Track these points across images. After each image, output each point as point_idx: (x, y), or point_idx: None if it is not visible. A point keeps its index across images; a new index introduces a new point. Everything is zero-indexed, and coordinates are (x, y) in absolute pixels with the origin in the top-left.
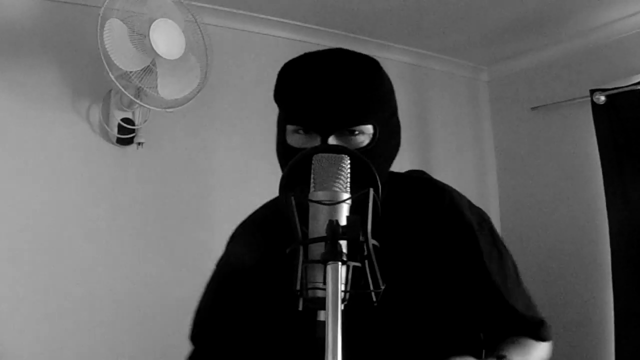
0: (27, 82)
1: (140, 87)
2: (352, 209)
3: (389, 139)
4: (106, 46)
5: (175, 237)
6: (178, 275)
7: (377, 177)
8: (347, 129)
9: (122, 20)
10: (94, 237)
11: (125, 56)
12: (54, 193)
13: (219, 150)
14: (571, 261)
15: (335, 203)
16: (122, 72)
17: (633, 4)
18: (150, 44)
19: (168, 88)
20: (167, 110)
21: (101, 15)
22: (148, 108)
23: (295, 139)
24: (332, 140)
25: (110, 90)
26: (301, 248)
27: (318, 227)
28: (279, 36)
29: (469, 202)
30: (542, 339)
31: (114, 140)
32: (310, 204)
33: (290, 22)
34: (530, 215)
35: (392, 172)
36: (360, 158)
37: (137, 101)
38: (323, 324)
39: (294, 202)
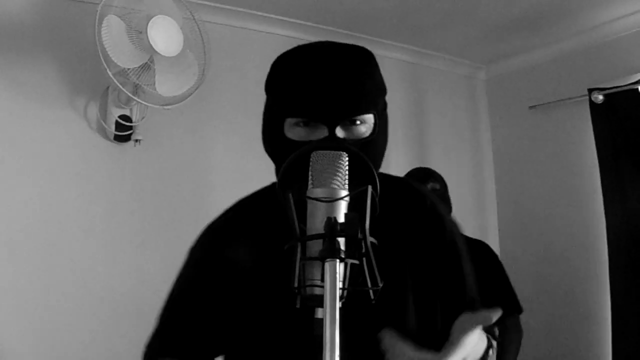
0: (25, 78)
1: (138, 84)
2: (350, 206)
3: (384, 129)
4: (104, 43)
5: (172, 234)
6: (175, 272)
7: (375, 174)
8: (350, 120)
9: (120, 17)
10: (91, 234)
11: (123, 53)
12: (51, 190)
13: (217, 147)
14: (568, 259)
15: (334, 200)
16: (119, 69)
17: (631, 3)
18: (148, 41)
19: (166, 85)
20: (165, 107)
21: (99, 12)
22: (146, 105)
23: (296, 132)
24: (338, 131)
25: (107, 87)
26: (299, 245)
27: (316, 224)
28: (277, 34)
29: (445, 207)
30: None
31: (112, 137)
32: (308, 201)
33: (288, 19)
34: (527, 213)
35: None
36: (358, 155)
37: (135, 98)
38: (321, 321)
39: (292, 199)
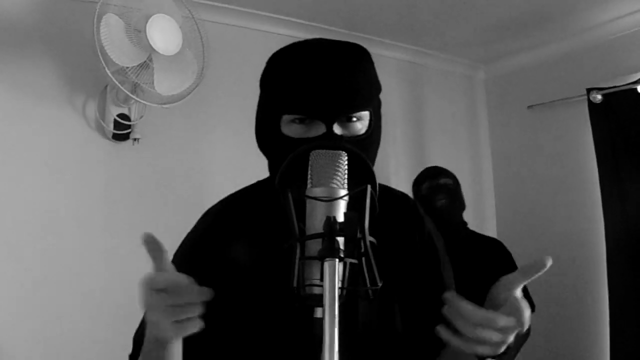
0: (23, 77)
1: (137, 82)
2: (350, 206)
3: (379, 127)
4: (103, 41)
5: (170, 233)
6: None
7: (374, 174)
8: (346, 116)
9: (118, 16)
10: (89, 232)
11: (121, 52)
12: (49, 188)
13: (215, 146)
14: (566, 258)
15: (333, 199)
16: (118, 68)
17: (630, 3)
18: (147, 40)
19: (164, 84)
20: (164, 106)
21: (98, 10)
22: (144, 104)
23: (293, 129)
24: (335, 128)
25: (106, 86)
26: (298, 245)
27: (315, 223)
28: (276, 33)
29: (428, 217)
30: None
31: (110, 136)
32: (308, 200)
33: (287, 18)
34: (525, 212)
35: None
36: (357, 154)
37: (134, 97)
38: (320, 321)
39: (291, 198)
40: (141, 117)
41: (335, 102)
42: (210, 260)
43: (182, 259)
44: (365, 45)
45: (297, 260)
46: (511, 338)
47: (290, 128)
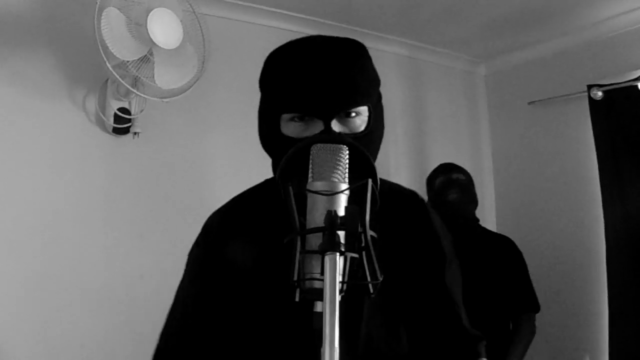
0: (23, 70)
1: (137, 76)
2: (350, 200)
3: (379, 120)
4: (103, 35)
5: (171, 227)
6: (173, 266)
7: (375, 168)
8: (345, 112)
9: (119, 9)
10: (89, 226)
11: (122, 45)
12: (49, 182)
13: (216, 140)
14: (566, 255)
15: (334, 193)
16: (119, 62)
17: (631, 0)
18: (148, 33)
19: (165, 78)
20: (164, 100)
21: (98, 4)
22: (145, 98)
23: (292, 128)
24: (334, 125)
25: (107, 80)
26: (299, 238)
27: (316, 217)
28: (276, 27)
29: (437, 215)
30: (480, 355)
31: (110, 129)
32: (309, 194)
33: (288, 13)
34: (525, 208)
35: None
36: (358, 148)
37: (134, 91)
38: (320, 315)
39: (292, 192)
40: (142, 111)
41: (331, 99)
42: (219, 259)
43: (195, 260)
44: (364, 41)
45: (297, 254)
46: None
47: (290, 127)
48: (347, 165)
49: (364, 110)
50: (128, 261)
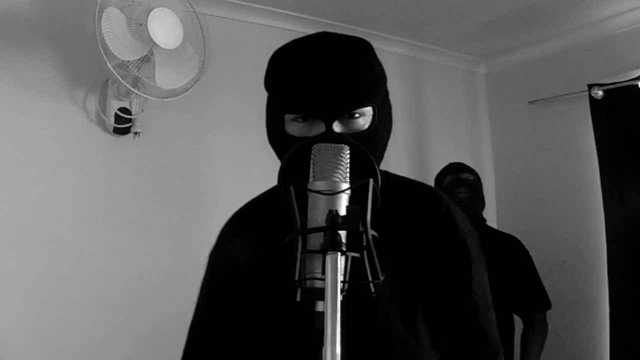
0: (24, 70)
1: (138, 76)
2: (352, 199)
3: (385, 120)
4: (104, 35)
5: (171, 227)
6: (174, 266)
7: (377, 167)
8: (348, 113)
9: (120, 9)
10: (89, 226)
11: (123, 45)
12: (49, 182)
13: (216, 140)
14: (566, 253)
15: (335, 193)
16: (119, 62)
17: None
18: (148, 33)
19: (166, 78)
20: (165, 100)
21: (99, 4)
22: (145, 98)
23: (295, 128)
24: (335, 126)
25: (107, 80)
26: (300, 238)
27: (317, 217)
28: (277, 27)
29: (462, 213)
30: None
31: (111, 129)
32: (310, 193)
33: (289, 13)
34: (526, 208)
35: (387, 173)
36: (359, 148)
37: (135, 90)
38: (321, 314)
39: (293, 192)
40: (142, 111)
41: (333, 101)
42: (229, 263)
43: (210, 265)
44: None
45: (298, 254)
46: None
47: (293, 127)
48: (348, 165)
49: (367, 110)
50: (128, 261)
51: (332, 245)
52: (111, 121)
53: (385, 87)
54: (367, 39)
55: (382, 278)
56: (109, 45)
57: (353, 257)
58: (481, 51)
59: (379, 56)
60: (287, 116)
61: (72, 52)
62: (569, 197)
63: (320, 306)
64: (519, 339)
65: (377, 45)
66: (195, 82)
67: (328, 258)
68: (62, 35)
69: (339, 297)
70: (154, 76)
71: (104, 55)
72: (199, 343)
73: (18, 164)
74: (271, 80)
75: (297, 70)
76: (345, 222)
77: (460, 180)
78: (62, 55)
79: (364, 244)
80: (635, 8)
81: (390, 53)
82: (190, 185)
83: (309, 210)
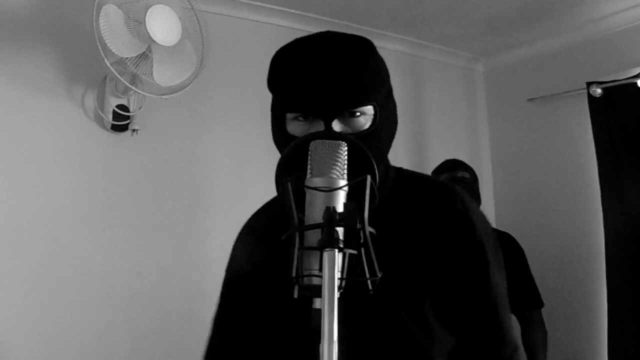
0: (21, 67)
1: (136, 73)
2: (349, 196)
3: (387, 119)
4: (102, 32)
5: (170, 224)
6: (173, 263)
7: (374, 164)
8: (348, 112)
9: (118, 6)
10: (87, 224)
11: (121, 42)
12: (47, 179)
13: (214, 137)
14: (565, 252)
15: (332, 190)
16: (117, 59)
17: None
18: (147, 30)
19: (164, 75)
20: (163, 97)
21: (97, 1)
22: (143, 95)
23: (296, 127)
24: (335, 125)
25: (105, 77)
26: (297, 235)
27: (314, 213)
28: (276, 24)
29: (479, 210)
30: None
31: (109, 127)
32: (307, 190)
33: (287, 10)
34: (524, 206)
35: (401, 169)
36: (357, 145)
37: (133, 88)
38: (318, 311)
39: (290, 189)
40: (140, 108)
41: (332, 99)
42: (239, 264)
43: (227, 267)
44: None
45: (296, 251)
46: None
47: (294, 125)
48: (345, 162)
49: (368, 109)
50: (126, 258)
51: (330, 242)
52: (109, 118)
53: (388, 85)
54: (365, 36)
55: (379, 275)
56: (107, 42)
57: (351, 255)
58: (480, 49)
59: None
60: (288, 115)
61: (70, 50)
62: (567, 195)
63: (317, 303)
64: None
65: (375, 42)
66: (193, 79)
67: (325, 255)
68: (60, 33)
69: (336, 294)
70: (152, 73)
71: (101, 53)
72: (215, 349)
73: (16, 162)
74: (273, 80)
75: (297, 69)
76: (342, 219)
77: (455, 179)
78: (60, 52)
79: (362, 240)
80: (634, 6)
81: (388, 50)
82: (189, 183)
83: (306, 207)
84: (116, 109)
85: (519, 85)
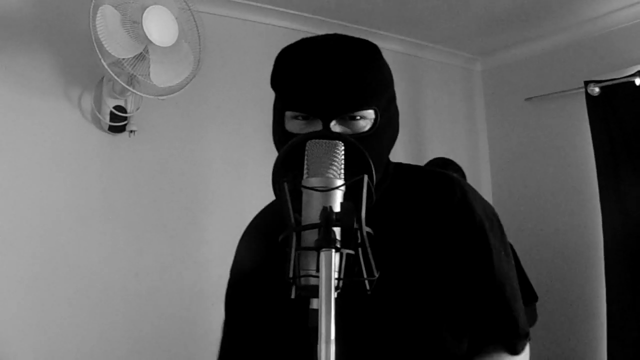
0: (19, 68)
1: (133, 74)
2: (346, 196)
3: (389, 124)
4: (99, 33)
5: (167, 225)
6: (170, 264)
7: (371, 164)
8: (348, 115)
9: (114, 7)
10: (85, 225)
11: (117, 43)
12: (44, 180)
13: (212, 138)
14: (564, 251)
15: (329, 189)
16: (114, 60)
17: None
18: (143, 31)
19: (161, 75)
20: (160, 97)
21: (94, 1)
22: (140, 96)
23: (295, 126)
24: (333, 126)
25: (102, 78)
26: (294, 235)
27: (311, 213)
28: (273, 24)
29: (480, 196)
30: (517, 352)
31: (106, 128)
32: (304, 190)
33: (284, 10)
34: (523, 205)
35: (400, 164)
36: (354, 144)
37: (130, 88)
38: (316, 312)
39: (287, 188)
40: (137, 109)
41: (332, 100)
42: (247, 274)
43: (230, 279)
44: (362, 37)
45: (293, 251)
46: None
47: (293, 124)
48: (342, 161)
49: (369, 113)
50: (124, 259)
51: (326, 242)
52: (106, 119)
53: (392, 91)
54: (362, 36)
55: (377, 275)
56: (103, 43)
57: (348, 255)
58: (478, 48)
59: None
60: (288, 114)
61: (67, 50)
62: (565, 194)
63: (314, 304)
64: None
65: (374, 42)
66: (190, 80)
67: (322, 255)
68: (56, 34)
69: (333, 295)
70: (149, 74)
71: (98, 53)
72: (227, 351)
73: (13, 163)
74: (275, 77)
75: (300, 68)
76: (339, 219)
77: None
78: (57, 53)
79: (359, 241)
80: (631, 5)
81: (386, 50)
82: (186, 183)
83: (303, 207)
84: (113, 110)
85: (517, 84)
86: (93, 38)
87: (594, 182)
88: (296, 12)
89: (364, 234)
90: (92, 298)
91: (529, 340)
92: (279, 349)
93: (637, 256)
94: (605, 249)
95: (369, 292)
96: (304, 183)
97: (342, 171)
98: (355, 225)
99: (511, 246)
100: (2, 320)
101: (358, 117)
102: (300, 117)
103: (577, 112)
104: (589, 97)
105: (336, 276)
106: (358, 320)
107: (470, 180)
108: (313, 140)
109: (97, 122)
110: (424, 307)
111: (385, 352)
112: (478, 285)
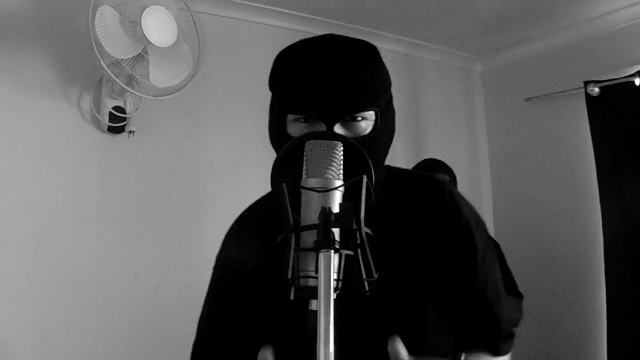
0: (18, 69)
1: (132, 75)
2: (345, 197)
3: (388, 125)
4: (98, 33)
5: (166, 225)
6: (169, 264)
7: (371, 165)
8: (350, 116)
9: (113, 8)
10: (84, 225)
11: (117, 44)
12: (43, 181)
13: (211, 138)
14: (563, 251)
15: (328, 190)
16: (113, 60)
17: None
18: (142, 32)
19: (160, 76)
20: (159, 98)
21: (93, 2)
22: (139, 96)
23: (297, 129)
24: (337, 128)
25: (101, 78)
26: (293, 236)
27: (310, 214)
28: (272, 25)
29: (466, 200)
30: (500, 353)
31: (105, 128)
32: (303, 191)
33: (283, 10)
34: (523, 205)
35: (389, 166)
36: (353, 145)
37: (129, 89)
38: (315, 313)
39: (285, 189)
40: (136, 109)
41: (335, 103)
42: (230, 263)
43: (215, 266)
44: (361, 37)
45: (291, 252)
46: None
47: (294, 127)
48: (341, 162)
49: (370, 114)
50: (123, 259)
51: (325, 243)
52: (105, 120)
53: (390, 92)
54: (362, 37)
55: (375, 276)
56: (102, 43)
57: (347, 255)
58: (477, 48)
59: None
60: (289, 117)
61: (65, 51)
62: (565, 194)
63: (313, 305)
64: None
65: (373, 42)
66: (189, 81)
67: (321, 256)
68: (55, 34)
69: (332, 296)
70: (148, 74)
71: (97, 54)
72: (204, 347)
73: (12, 164)
74: (275, 80)
75: (300, 70)
76: (338, 220)
77: None
78: (55, 53)
79: (358, 241)
80: (631, 5)
81: (385, 51)
82: (185, 184)
83: (302, 208)
84: (112, 111)
85: (517, 84)
86: (92, 38)
87: (594, 182)
88: (295, 13)
89: (363, 234)
90: (91, 298)
91: (514, 337)
92: (276, 350)
93: (637, 256)
94: (605, 249)
95: (368, 293)
96: (302, 184)
97: (341, 172)
98: (354, 226)
99: (498, 245)
100: (0, 320)
101: (359, 118)
102: (302, 120)
103: (577, 112)
104: (588, 97)
105: (335, 277)
106: (357, 321)
107: (470, 180)
108: (312, 141)
109: (96, 122)
110: (422, 307)
111: (385, 352)
112: (462, 285)
